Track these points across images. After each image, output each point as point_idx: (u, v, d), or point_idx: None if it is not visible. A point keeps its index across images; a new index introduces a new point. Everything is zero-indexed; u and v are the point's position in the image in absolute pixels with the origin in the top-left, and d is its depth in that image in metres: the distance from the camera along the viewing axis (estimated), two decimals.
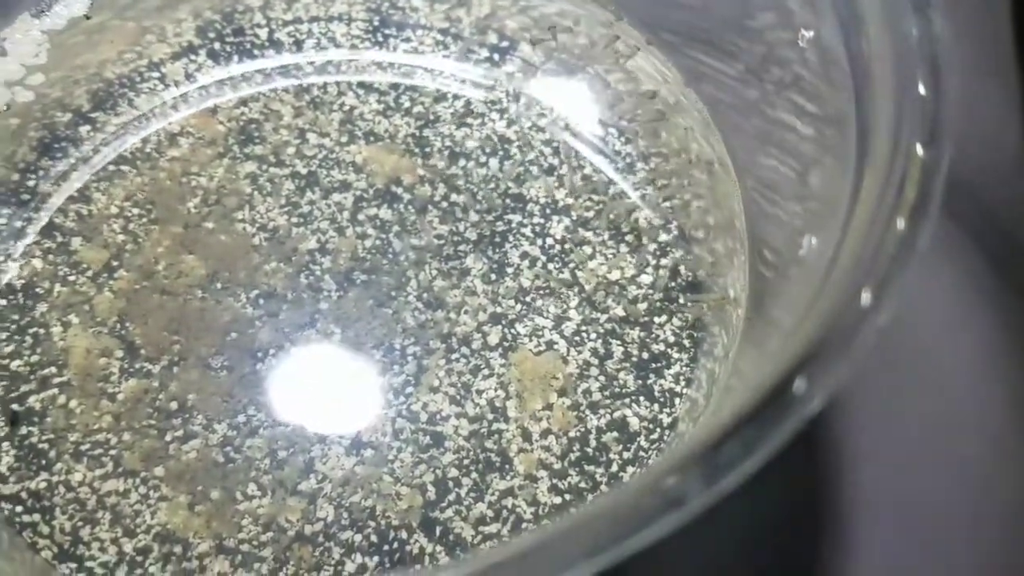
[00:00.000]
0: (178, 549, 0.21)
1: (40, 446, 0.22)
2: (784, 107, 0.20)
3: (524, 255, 0.25)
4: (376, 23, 0.28)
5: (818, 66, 0.18)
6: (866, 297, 0.13)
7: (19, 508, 0.22)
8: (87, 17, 0.27)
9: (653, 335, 0.24)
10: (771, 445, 0.12)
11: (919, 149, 0.14)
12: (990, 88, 0.28)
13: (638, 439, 0.23)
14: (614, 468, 0.22)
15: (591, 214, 0.26)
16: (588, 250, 0.25)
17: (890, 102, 0.15)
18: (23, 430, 0.22)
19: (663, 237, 0.25)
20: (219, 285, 0.24)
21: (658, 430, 0.23)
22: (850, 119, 0.16)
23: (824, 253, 0.15)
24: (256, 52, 0.28)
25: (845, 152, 0.16)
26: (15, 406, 0.23)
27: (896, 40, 0.16)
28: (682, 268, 0.25)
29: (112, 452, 0.22)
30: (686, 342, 0.24)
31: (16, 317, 0.24)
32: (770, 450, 0.12)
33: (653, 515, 0.12)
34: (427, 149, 0.27)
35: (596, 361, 0.24)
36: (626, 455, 0.22)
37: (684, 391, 0.23)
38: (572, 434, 0.23)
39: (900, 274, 0.13)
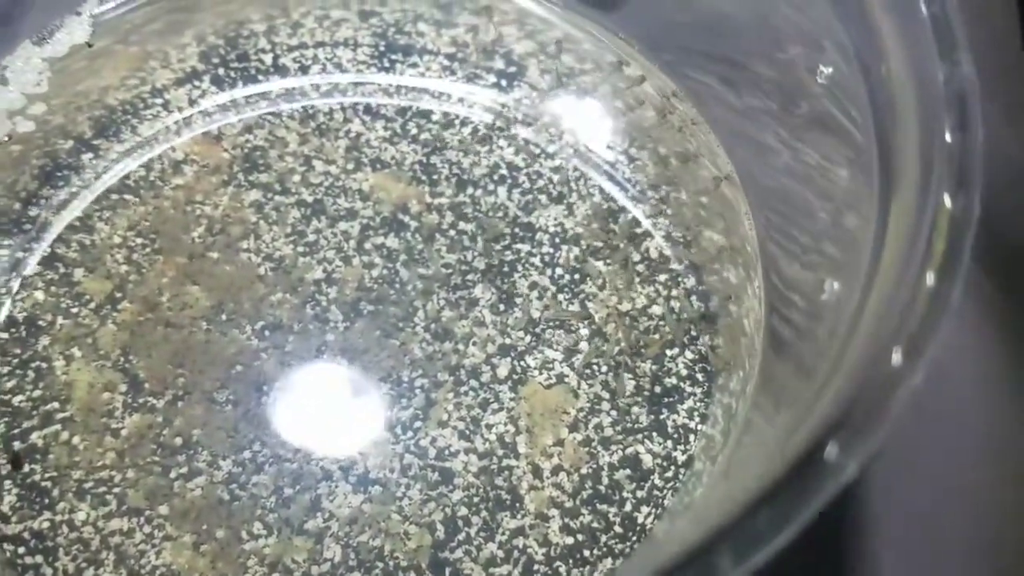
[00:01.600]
0: None
1: (43, 484, 0.22)
2: (801, 143, 0.20)
3: (533, 285, 0.25)
4: (382, 48, 0.28)
5: (838, 104, 0.18)
6: (896, 357, 0.13)
7: (21, 549, 0.21)
8: (89, 45, 0.27)
9: (665, 368, 0.24)
10: (804, 517, 0.11)
11: (947, 200, 0.14)
12: (998, 103, 0.27)
13: (652, 477, 0.22)
14: (627, 507, 0.22)
15: (600, 243, 0.25)
16: (598, 280, 0.25)
17: (916, 149, 0.15)
18: (25, 467, 0.22)
19: (674, 267, 0.25)
20: (224, 317, 0.24)
21: (672, 468, 0.22)
22: (872, 163, 0.16)
23: (848, 301, 0.15)
24: (261, 78, 0.27)
25: (867, 196, 0.16)
26: (16, 443, 0.22)
27: (922, 84, 0.15)
28: (694, 299, 0.25)
29: (116, 490, 0.22)
30: (699, 376, 0.24)
31: (18, 351, 0.23)
32: (803, 522, 0.12)
33: None
34: (434, 176, 0.26)
35: (607, 395, 0.23)
36: (640, 494, 0.22)
37: (699, 427, 0.23)
38: (584, 471, 0.22)
39: (932, 333, 0.13)
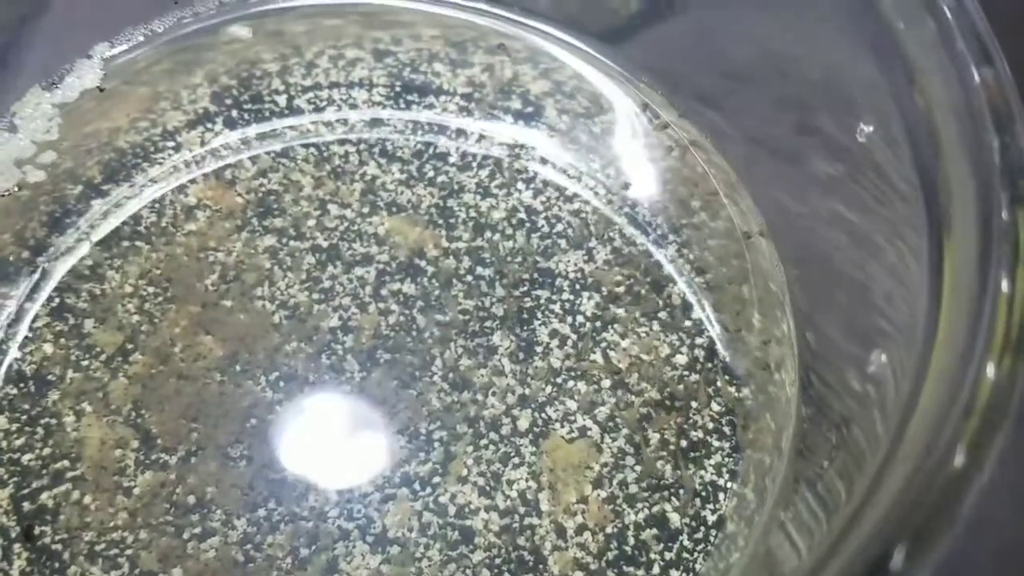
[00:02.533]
0: None
1: (54, 547, 0.21)
2: (839, 202, 0.20)
3: (553, 333, 0.24)
4: (398, 88, 0.27)
5: (880, 167, 0.17)
6: (960, 458, 0.12)
7: None
8: (100, 89, 0.26)
9: (691, 421, 0.23)
10: None
11: (1004, 284, 0.13)
12: None
13: (680, 538, 0.22)
14: (655, 570, 0.21)
15: (622, 289, 0.25)
16: (620, 328, 0.24)
17: (971, 225, 0.14)
18: (36, 530, 0.21)
19: (698, 314, 0.25)
20: (238, 367, 0.23)
21: (702, 528, 0.22)
22: (921, 234, 0.15)
23: (899, 382, 0.14)
24: (275, 119, 0.27)
25: (915, 270, 0.15)
26: (26, 503, 0.22)
27: (976, 156, 0.15)
28: (720, 347, 0.24)
29: (128, 552, 0.21)
30: (727, 429, 0.23)
31: (27, 406, 0.23)
32: None
33: None
34: (451, 220, 0.26)
35: (632, 449, 0.23)
36: (668, 556, 0.21)
37: (729, 484, 0.22)
38: (609, 530, 0.22)
39: (996, 429, 0.12)
